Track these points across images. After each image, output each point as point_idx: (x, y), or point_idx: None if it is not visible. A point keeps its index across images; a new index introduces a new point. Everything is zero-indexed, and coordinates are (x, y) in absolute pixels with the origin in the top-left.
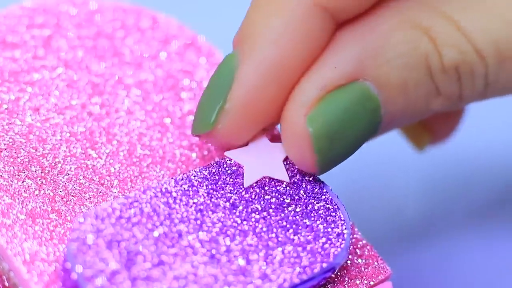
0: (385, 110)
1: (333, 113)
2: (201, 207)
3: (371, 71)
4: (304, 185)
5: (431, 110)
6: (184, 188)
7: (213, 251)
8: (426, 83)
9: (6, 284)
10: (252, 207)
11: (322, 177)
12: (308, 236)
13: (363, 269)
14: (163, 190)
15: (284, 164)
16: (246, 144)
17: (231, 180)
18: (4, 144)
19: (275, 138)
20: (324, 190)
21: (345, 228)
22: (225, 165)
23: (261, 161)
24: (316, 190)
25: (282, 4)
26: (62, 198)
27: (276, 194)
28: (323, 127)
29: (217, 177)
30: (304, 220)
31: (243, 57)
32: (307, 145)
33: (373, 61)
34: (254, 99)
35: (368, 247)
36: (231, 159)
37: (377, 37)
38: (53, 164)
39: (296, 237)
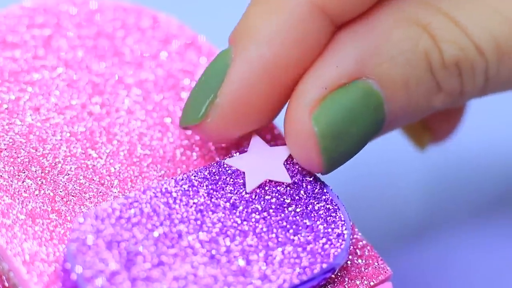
0: (388, 108)
1: (337, 112)
2: (201, 207)
3: (373, 69)
4: (304, 186)
5: (433, 107)
6: (184, 188)
7: (213, 252)
8: (427, 80)
9: (6, 284)
10: (252, 207)
11: (322, 177)
12: (308, 236)
13: (363, 269)
14: (163, 190)
15: (284, 165)
16: (245, 151)
17: (231, 180)
18: (4, 144)
19: (275, 138)
20: (325, 191)
21: (345, 229)
22: (225, 165)
23: (262, 166)
24: (317, 190)
25: (280, 4)
26: (62, 198)
27: (276, 194)
28: (328, 126)
29: (217, 177)
30: (304, 221)
31: (237, 54)
32: (313, 145)
33: (374, 59)
34: (245, 96)
35: (368, 247)
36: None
37: (377, 35)
38: (53, 164)
39: (296, 238)
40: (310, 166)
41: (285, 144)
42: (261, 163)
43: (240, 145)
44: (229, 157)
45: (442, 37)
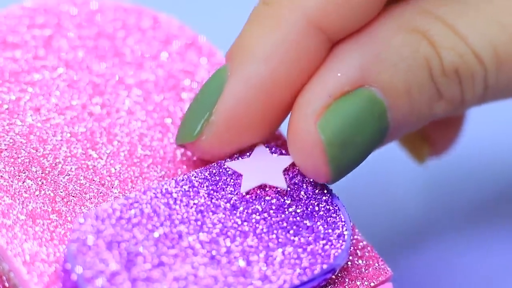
0: (391, 116)
1: (342, 120)
2: (202, 208)
3: (375, 76)
4: (304, 186)
5: (434, 115)
6: (184, 189)
7: (213, 252)
8: (428, 87)
9: (6, 284)
10: (252, 208)
11: None
12: (308, 237)
13: (363, 270)
14: (164, 190)
15: (284, 172)
16: (247, 155)
17: (232, 181)
18: (5, 145)
19: (276, 138)
20: (325, 191)
21: (346, 229)
22: (225, 166)
23: (260, 170)
24: (317, 191)
25: (276, 22)
26: (62, 199)
27: (277, 195)
28: (334, 134)
29: (217, 178)
30: (305, 221)
31: (233, 71)
32: (320, 153)
33: (376, 66)
34: (240, 114)
35: (368, 248)
36: (231, 160)
37: (378, 42)
38: (53, 165)
39: (296, 238)
40: (317, 175)
41: (285, 145)
42: (261, 168)
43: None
44: (230, 160)
45: (441, 43)
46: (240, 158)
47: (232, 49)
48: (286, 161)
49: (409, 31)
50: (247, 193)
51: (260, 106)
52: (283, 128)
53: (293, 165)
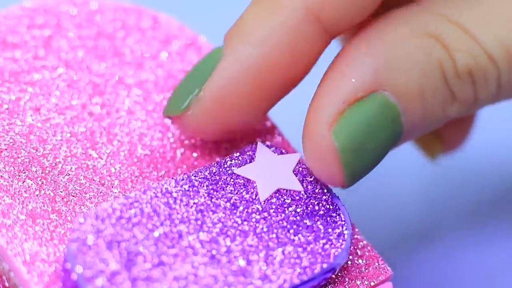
0: (405, 119)
1: (356, 126)
2: (202, 207)
3: (389, 81)
4: (304, 186)
5: (448, 117)
6: (184, 189)
7: (213, 252)
8: (442, 89)
9: (6, 284)
10: (252, 207)
11: None
12: (308, 236)
13: (363, 269)
14: (164, 190)
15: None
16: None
17: (232, 180)
18: (5, 145)
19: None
20: (325, 191)
21: (346, 229)
22: (225, 165)
23: (272, 175)
24: (317, 190)
25: (276, 8)
26: (62, 199)
27: (277, 195)
28: (348, 140)
29: (217, 177)
30: (305, 221)
31: (227, 51)
32: (334, 159)
33: (389, 71)
34: (229, 93)
35: (368, 247)
36: (231, 159)
37: (390, 47)
38: (53, 164)
39: (296, 238)
40: (332, 181)
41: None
42: (271, 172)
43: (233, 140)
44: (230, 158)
45: (454, 46)
46: (240, 158)
47: (231, 29)
48: (292, 160)
49: (422, 35)
50: (248, 191)
51: (249, 88)
52: (286, 130)
53: (296, 166)
